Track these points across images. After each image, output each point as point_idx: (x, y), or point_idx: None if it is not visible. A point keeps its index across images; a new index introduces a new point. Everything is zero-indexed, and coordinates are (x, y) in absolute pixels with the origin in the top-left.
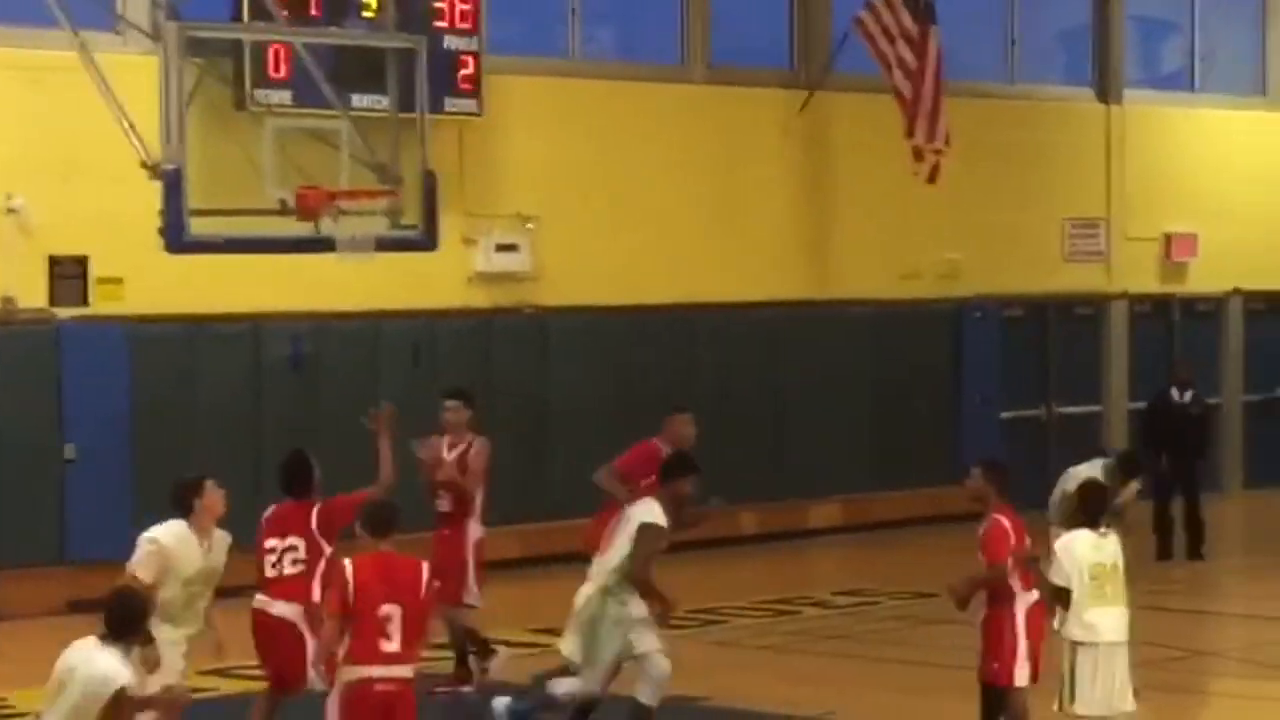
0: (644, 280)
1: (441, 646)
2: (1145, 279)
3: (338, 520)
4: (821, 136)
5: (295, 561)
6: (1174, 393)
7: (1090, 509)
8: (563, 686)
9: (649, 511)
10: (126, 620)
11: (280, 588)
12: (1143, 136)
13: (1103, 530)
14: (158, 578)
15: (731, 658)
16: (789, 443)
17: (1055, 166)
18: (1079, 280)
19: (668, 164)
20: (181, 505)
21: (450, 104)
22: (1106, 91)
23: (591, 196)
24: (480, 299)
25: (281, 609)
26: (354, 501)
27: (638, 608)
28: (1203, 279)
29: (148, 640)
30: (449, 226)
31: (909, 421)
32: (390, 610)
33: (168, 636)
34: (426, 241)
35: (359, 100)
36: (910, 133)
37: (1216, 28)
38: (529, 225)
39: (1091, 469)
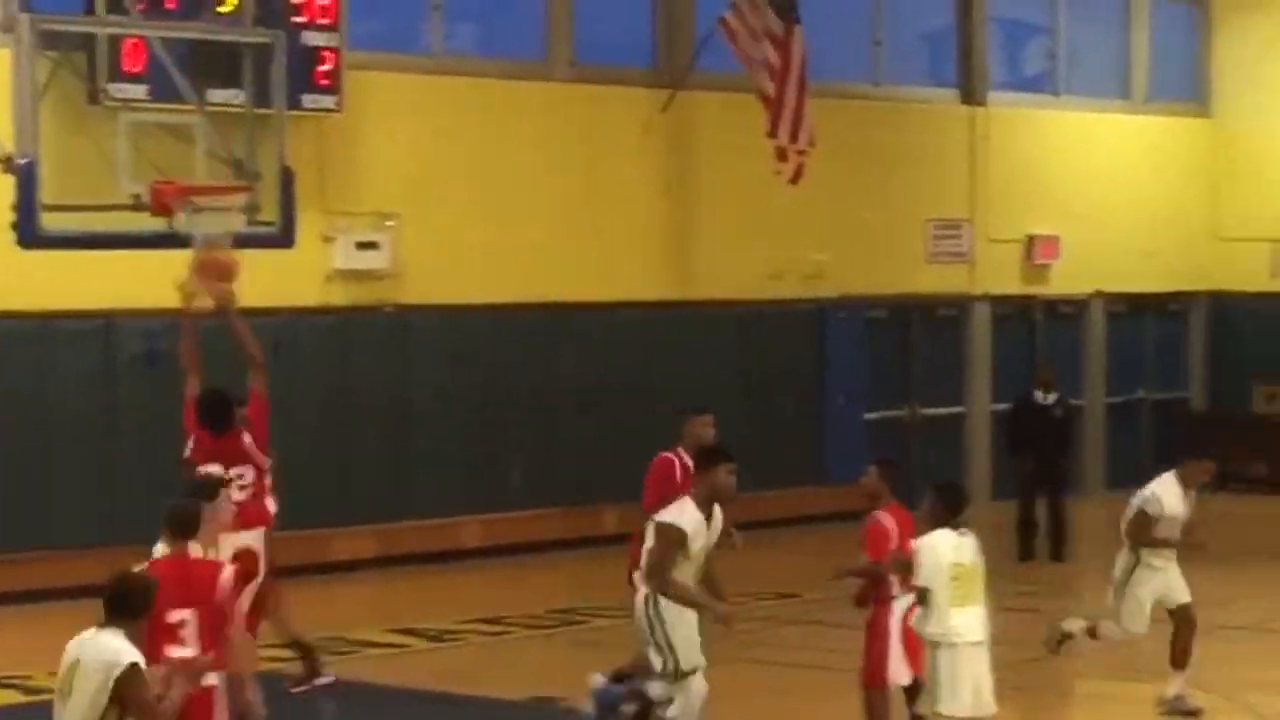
0: (506, 279)
1: (285, 647)
2: (1008, 280)
3: (261, 426)
4: (685, 136)
5: (242, 488)
6: (1037, 394)
7: (949, 509)
8: (656, 690)
9: (670, 511)
10: (126, 602)
11: (241, 518)
12: (1006, 138)
13: (962, 530)
14: None
15: (591, 658)
16: (653, 442)
17: (919, 168)
18: (942, 281)
19: (530, 162)
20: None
21: (309, 100)
22: (970, 93)
23: (453, 194)
24: (339, 297)
25: (246, 539)
26: (256, 401)
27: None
28: (1065, 281)
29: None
30: (308, 224)
31: (773, 422)
32: (184, 615)
33: None
34: (284, 239)
35: (215, 95)
36: (774, 133)
37: (1079, 31)
38: (389, 223)
39: (1164, 483)
